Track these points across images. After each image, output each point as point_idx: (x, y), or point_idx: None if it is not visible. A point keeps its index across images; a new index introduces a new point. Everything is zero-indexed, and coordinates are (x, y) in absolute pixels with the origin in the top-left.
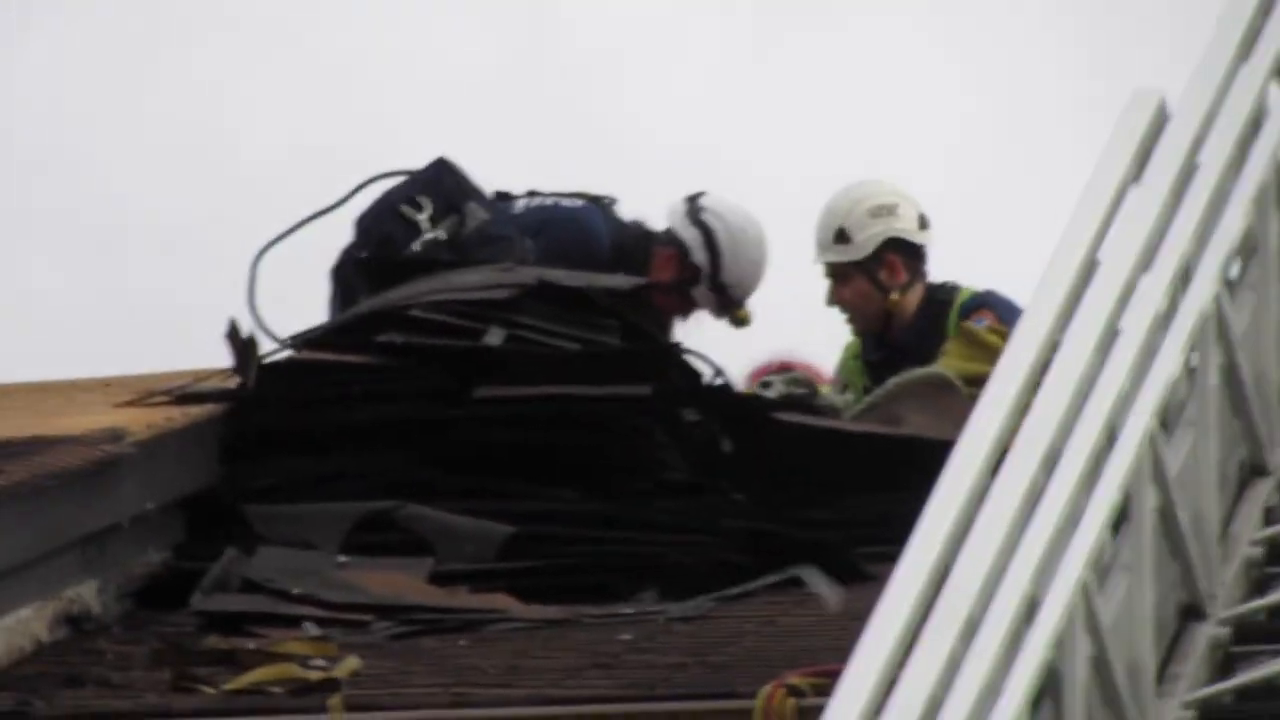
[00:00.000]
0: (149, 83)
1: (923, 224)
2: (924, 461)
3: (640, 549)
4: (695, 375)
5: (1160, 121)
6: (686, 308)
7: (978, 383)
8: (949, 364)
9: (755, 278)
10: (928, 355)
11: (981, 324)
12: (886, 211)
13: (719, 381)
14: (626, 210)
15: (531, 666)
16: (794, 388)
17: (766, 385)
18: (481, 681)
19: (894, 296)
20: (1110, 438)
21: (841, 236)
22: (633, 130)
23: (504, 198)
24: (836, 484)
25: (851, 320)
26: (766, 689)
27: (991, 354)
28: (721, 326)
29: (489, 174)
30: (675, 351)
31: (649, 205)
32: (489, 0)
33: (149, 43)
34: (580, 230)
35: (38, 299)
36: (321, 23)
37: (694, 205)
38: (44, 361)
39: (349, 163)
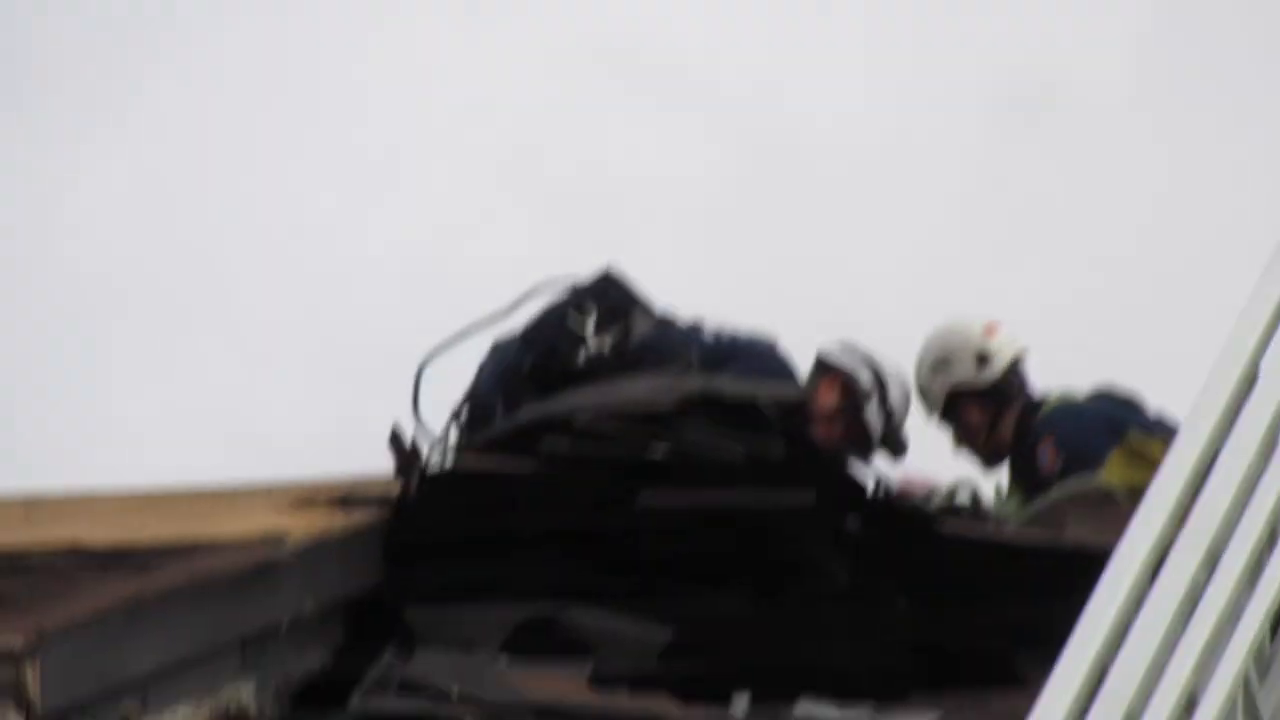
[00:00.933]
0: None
1: (982, 362)
2: (1086, 570)
3: (803, 655)
4: (858, 484)
5: None
6: (853, 433)
7: (1140, 494)
8: (1111, 475)
9: (909, 401)
10: (1027, 475)
11: (1044, 455)
12: (943, 365)
13: (882, 492)
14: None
15: None
16: (957, 497)
17: (928, 495)
18: None
19: (981, 439)
20: (1272, 536)
21: (923, 394)
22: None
23: (669, 320)
24: (999, 593)
25: (974, 458)
26: None
27: (1152, 465)
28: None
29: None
30: (838, 461)
31: None
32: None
33: None
34: (778, 362)
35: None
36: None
37: (843, 344)
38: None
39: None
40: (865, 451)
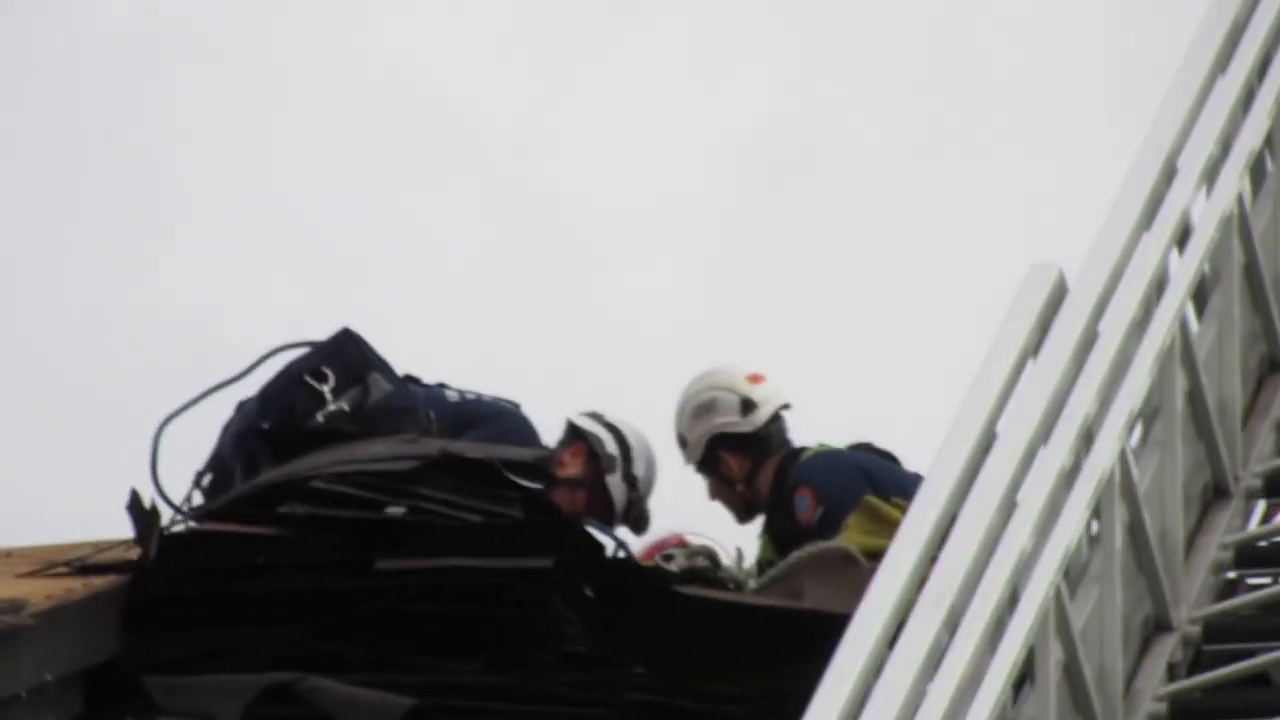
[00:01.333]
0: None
1: (746, 408)
2: (825, 635)
3: None
4: (597, 548)
5: (1059, 294)
6: (596, 502)
7: (880, 556)
8: (851, 538)
9: (655, 475)
10: (783, 526)
11: (803, 503)
12: (705, 410)
13: (620, 554)
14: None
15: None
16: (696, 561)
17: (669, 558)
18: None
19: (739, 488)
20: (1013, 595)
21: (682, 442)
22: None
23: (412, 381)
24: (738, 657)
25: (729, 510)
26: None
27: (893, 527)
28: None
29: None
30: (577, 524)
31: None
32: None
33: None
34: (521, 426)
35: None
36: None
37: (592, 413)
38: None
39: None
40: (608, 522)
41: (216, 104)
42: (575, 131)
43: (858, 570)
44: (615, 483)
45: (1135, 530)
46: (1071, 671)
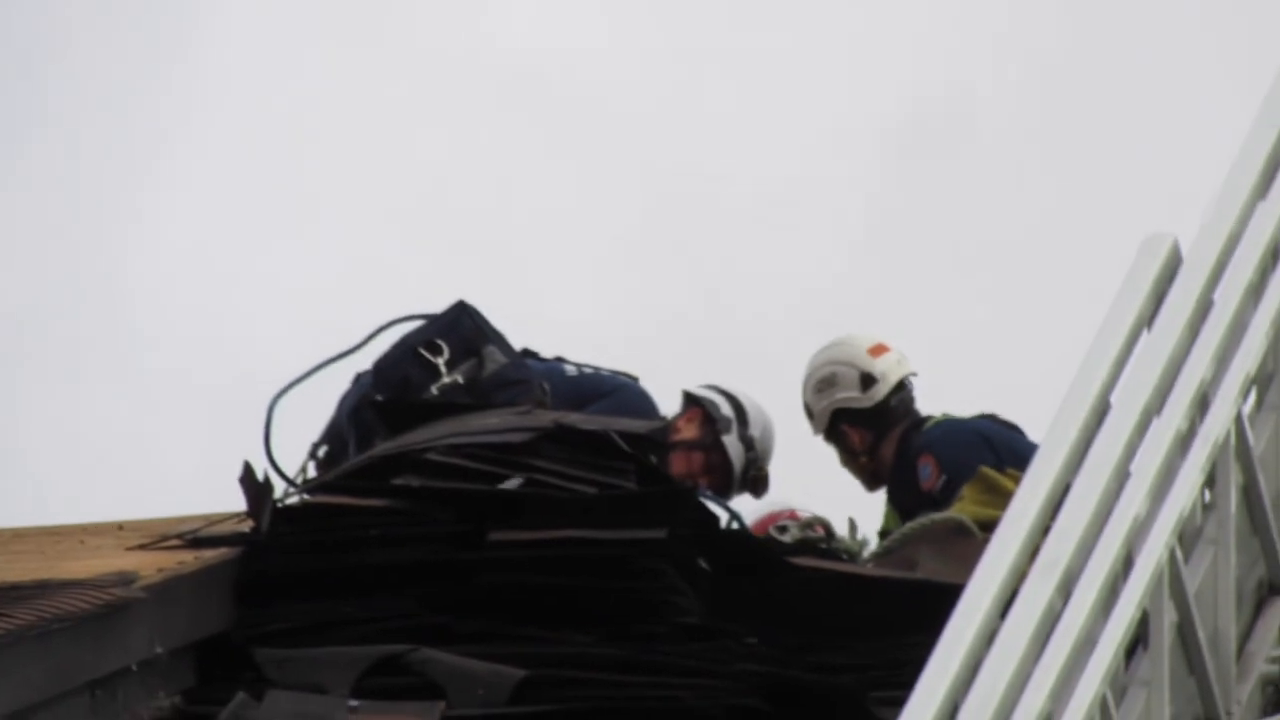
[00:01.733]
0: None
1: (866, 383)
2: (938, 605)
3: (654, 693)
4: (711, 519)
5: (1174, 263)
6: (714, 464)
7: (994, 527)
8: (965, 508)
9: (772, 440)
10: (906, 494)
11: (926, 471)
12: (827, 384)
13: (734, 526)
14: None
15: None
16: (809, 532)
17: (783, 530)
18: None
19: (862, 460)
20: (1127, 559)
21: (808, 413)
22: None
23: (529, 355)
24: (851, 628)
25: (857, 479)
26: None
27: (1007, 498)
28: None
29: None
30: (691, 495)
31: None
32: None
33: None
34: (644, 400)
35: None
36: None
37: (708, 384)
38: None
39: None
40: (725, 484)
41: (361, 83)
42: (715, 111)
43: (971, 541)
44: (732, 443)
45: (1250, 493)
46: (1185, 634)
